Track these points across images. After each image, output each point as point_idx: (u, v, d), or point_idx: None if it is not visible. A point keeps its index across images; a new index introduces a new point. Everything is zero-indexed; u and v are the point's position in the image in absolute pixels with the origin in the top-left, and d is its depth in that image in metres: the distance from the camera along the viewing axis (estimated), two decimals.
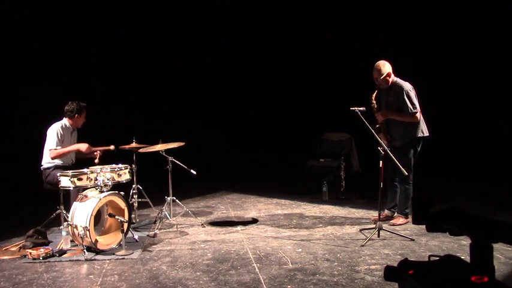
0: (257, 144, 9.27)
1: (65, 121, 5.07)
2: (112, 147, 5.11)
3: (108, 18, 8.28)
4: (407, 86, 4.88)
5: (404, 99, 4.80)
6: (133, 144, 5.36)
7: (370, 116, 4.92)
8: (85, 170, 4.50)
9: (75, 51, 8.17)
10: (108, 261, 4.05)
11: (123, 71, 8.55)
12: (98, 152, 5.04)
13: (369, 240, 4.40)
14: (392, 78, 4.92)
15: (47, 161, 4.95)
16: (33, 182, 5.47)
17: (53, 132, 4.93)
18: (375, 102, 4.94)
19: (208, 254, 4.18)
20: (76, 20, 8.09)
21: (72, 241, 4.44)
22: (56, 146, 4.88)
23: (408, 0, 8.10)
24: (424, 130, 4.93)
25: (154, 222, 5.29)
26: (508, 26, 7.25)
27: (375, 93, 4.96)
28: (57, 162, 4.95)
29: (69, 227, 4.33)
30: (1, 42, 7.49)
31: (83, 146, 4.94)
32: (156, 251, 4.31)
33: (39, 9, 7.73)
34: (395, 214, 5.18)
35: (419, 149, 4.98)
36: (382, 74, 4.86)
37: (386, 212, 5.21)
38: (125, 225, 4.30)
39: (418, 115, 4.86)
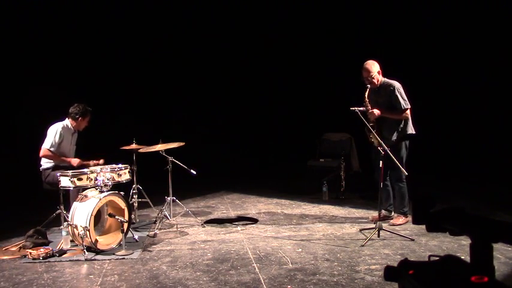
0: (257, 144, 9.27)
1: (67, 122, 5.07)
2: (101, 161, 5.07)
3: (108, 18, 8.28)
4: (397, 83, 4.95)
5: (396, 95, 4.87)
6: (134, 146, 5.37)
7: None
8: (85, 170, 4.51)
9: (76, 52, 8.18)
10: (108, 261, 4.06)
11: (123, 71, 8.54)
12: (92, 163, 5.05)
13: (368, 240, 4.40)
14: (381, 77, 4.98)
15: (46, 161, 4.95)
16: (33, 182, 5.47)
17: (53, 132, 4.93)
18: (368, 100, 4.96)
19: (208, 254, 4.18)
20: (77, 20, 8.09)
21: (72, 241, 4.44)
22: (51, 147, 4.87)
23: (407, 1, 8.11)
24: (412, 128, 4.99)
25: (154, 222, 5.29)
26: (498, 23, 7.26)
27: (367, 93, 4.98)
28: (57, 162, 4.94)
29: (69, 227, 4.33)
30: (4, 42, 7.49)
31: (75, 161, 4.94)
32: (156, 251, 4.31)
33: (39, 9, 7.73)
34: (392, 213, 5.19)
35: (408, 146, 5.01)
36: (372, 73, 4.91)
37: (383, 212, 5.20)
38: (125, 225, 4.30)
39: (409, 112, 4.93)
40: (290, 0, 9.02)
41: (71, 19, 8.03)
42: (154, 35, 8.79)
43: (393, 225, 4.93)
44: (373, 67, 4.92)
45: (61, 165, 4.94)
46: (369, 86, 4.94)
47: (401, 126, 4.92)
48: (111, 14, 8.32)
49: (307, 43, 9.18)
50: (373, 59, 5.00)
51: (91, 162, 5.03)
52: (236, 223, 5.39)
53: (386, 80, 4.99)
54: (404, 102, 4.87)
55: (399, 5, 8.05)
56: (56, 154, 4.92)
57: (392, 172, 4.95)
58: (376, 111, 4.89)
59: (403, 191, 4.99)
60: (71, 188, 4.48)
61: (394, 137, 4.92)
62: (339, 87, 8.44)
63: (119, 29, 8.42)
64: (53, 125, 5.01)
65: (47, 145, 4.89)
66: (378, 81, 4.95)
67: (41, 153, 4.89)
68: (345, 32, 8.73)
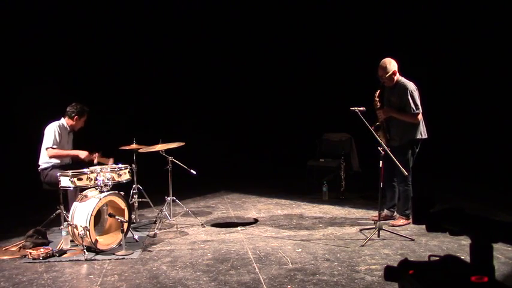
0: (257, 144, 9.27)
1: (63, 121, 5.07)
2: (111, 160, 5.04)
3: (108, 18, 8.28)
4: (411, 86, 4.87)
5: (407, 98, 4.80)
6: (134, 145, 5.37)
7: (370, 116, 4.92)
8: (85, 170, 4.50)
9: (76, 51, 8.17)
10: (108, 261, 4.06)
11: (123, 71, 8.54)
12: (96, 155, 5.04)
13: (368, 240, 4.40)
14: (397, 77, 4.92)
15: (44, 161, 4.95)
16: (33, 182, 5.47)
17: (51, 131, 4.93)
18: (378, 99, 4.94)
19: (208, 254, 4.18)
20: (76, 19, 8.09)
21: (72, 241, 4.44)
22: (53, 145, 4.88)
23: (407, 2, 8.11)
24: (423, 132, 4.92)
25: (155, 222, 5.29)
26: (506, 25, 7.26)
27: (378, 91, 4.95)
28: (55, 161, 4.95)
29: (69, 227, 4.33)
30: (1, 40, 7.48)
31: (83, 154, 4.92)
32: (156, 251, 4.31)
33: (38, 8, 7.73)
34: (395, 214, 5.18)
35: (417, 150, 4.97)
36: (388, 72, 4.85)
37: (385, 211, 5.21)
38: (125, 225, 4.30)
39: (420, 116, 4.86)
40: (291, 0, 9.01)
41: (71, 17, 8.03)
42: (154, 34, 8.79)
43: (393, 226, 4.93)
44: (389, 66, 4.86)
45: (58, 165, 4.95)
46: (384, 84, 4.92)
47: (408, 129, 4.87)
48: (112, 13, 8.32)
49: (307, 43, 9.17)
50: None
51: (99, 159, 5.01)
52: (236, 223, 5.39)
53: (403, 80, 4.92)
54: (415, 107, 4.80)
55: (401, 4, 8.05)
56: (63, 151, 4.92)
57: (398, 173, 4.91)
58: (382, 113, 4.88)
59: (407, 194, 4.96)
60: (71, 188, 4.48)
61: (400, 139, 4.90)
62: (339, 87, 8.45)
63: (120, 28, 8.41)
64: (49, 125, 5.00)
65: (49, 144, 4.88)
66: (393, 80, 4.90)
67: (49, 153, 4.88)
68: (345, 32, 8.72)
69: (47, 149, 4.89)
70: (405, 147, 4.90)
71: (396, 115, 4.89)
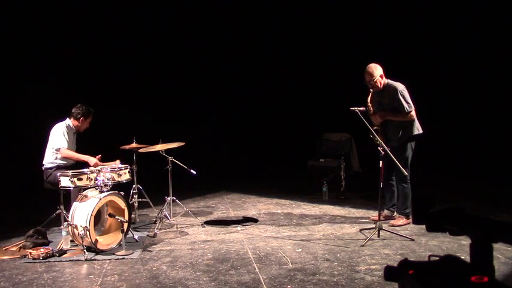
0: (257, 144, 9.27)
1: (69, 122, 5.07)
2: (118, 161, 5.04)
3: (108, 17, 8.28)
4: (400, 86, 4.93)
5: (399, 98, 4.85)
6: (134, 145, 5.37)
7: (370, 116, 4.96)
8: (85, 170, 4.51)
9: (76, 51, 8.17)
10: (108, 261, 4.06)
11: (123, 71, 8.54)
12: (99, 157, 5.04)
13: (369, 240, 4.40)
14: (384, 80, 4.98)
15: (49, 161, 4.94)
16: (34, 182, 5.47)
17: (60, 131, 4.93)
18: (370, 105, 4.97)
19: (208, 254, 4.18)
20: (76, 19, 8.09)
21: (72, 241, 4.44)
22: (65, 145, 4.88)
23: (407, 1, 8.10)
24: (419, 128, 4.99)
25: (155, 222, 5.29)
26: (501, 24, 7.27)
27: (369, 96, 4.98)
28: (60, 162, 4.94)
29: (69, 227, 4.33)
30: (2, 40, 7.48)
31: (92, 161, 4.88)
32: (156, 251, 4.31)
33: (38, 8, 7.73)
34: (395, 214, 5.19)
35: (414, 146, 5.01)
36: (375, 77, 4.90)
37: (385, 211, 5.21)
38: (125, 225, 4.31)
39: (414, 113, 4.91)
40: (291, 0, 9.01)
41: (70, 16, 8.03)
42: (154, 34, 8.79)
43: (393, 225, 4.93)
44: (376, 71, 4.91)
45: (64, 166, 4.94)
46: (371, 89, 4.95)
47: (407, 127, 4.92)
48: (112, 13, 8.32)
49: (307, 43, 9.17)
50: (375, 61, 4.98)
51: (106, 164, 4.99)
52: (236, 223, 5.39)
53: (390, 82, 4.98)
54: (408, 105, 4.86)
55: (400, 4, 8.05)
56: (74, 153, 4.93)
57: (397, 172, 4.93)
58: (378, 117, 4.90)
59: (406, 192, 4.98)
60: (71, 188, 4.48)
61: (399, 139, 4.93)
62: (339, 87, 8.44)
63: (120, 27, 8.41)
64: (56, 125, 5.00)
65: (63, 144, 4.87)
66: (381, 84, 4.94)
67: (62, 153, 4.88)
68: (345, 32, 8.72)
69: (58, 149, 4.88)
70: (405, 146, 4.95)
71: (393, 117, 4.94)
